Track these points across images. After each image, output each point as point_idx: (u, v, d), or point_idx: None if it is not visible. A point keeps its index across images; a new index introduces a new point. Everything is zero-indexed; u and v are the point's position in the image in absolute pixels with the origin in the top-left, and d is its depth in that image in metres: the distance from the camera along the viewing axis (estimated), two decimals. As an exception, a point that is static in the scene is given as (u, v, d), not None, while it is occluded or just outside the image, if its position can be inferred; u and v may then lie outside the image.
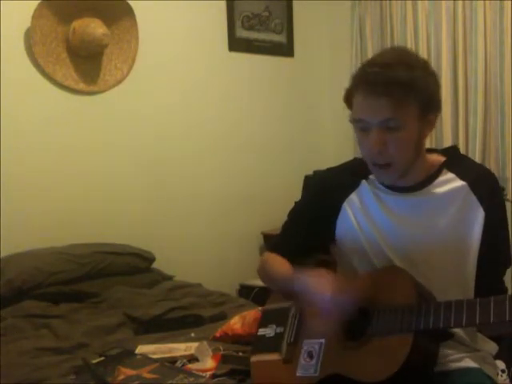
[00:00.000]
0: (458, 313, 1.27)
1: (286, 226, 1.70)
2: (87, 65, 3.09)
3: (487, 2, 3.39)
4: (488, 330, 1.48)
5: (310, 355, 1.49)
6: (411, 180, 1.49)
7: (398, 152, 1.41)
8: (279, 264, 1.62)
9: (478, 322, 1.25)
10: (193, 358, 1.92)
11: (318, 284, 1.43)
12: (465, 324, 1.27)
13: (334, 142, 4.09)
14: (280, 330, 1.62)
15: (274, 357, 1.58)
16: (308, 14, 4.08)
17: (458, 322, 1.28)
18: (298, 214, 1.69)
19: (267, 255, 1.69)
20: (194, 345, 2.00)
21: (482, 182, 1.49)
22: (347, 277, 1.51)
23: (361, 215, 1.54)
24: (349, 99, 1.46)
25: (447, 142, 3.55)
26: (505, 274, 1.54)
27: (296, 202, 1.75)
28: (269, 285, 1.70)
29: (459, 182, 1.48)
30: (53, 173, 3.03)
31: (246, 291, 3.55)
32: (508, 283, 1.54)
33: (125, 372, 1.73)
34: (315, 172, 3.38)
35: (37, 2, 2.89)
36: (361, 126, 1.44)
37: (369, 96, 1.39)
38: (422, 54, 3.62)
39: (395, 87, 1.35)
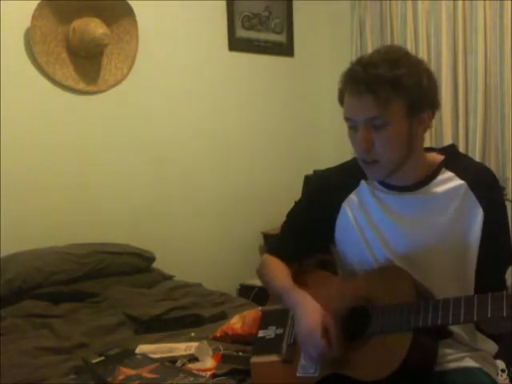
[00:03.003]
0: (456, 310, 1.27)
1: (286, 227, 1.70)
2: (87, 65, 3.09)
3: (487, 2, 3.38)
4: (487, 327, 1.48)
5: (310, 355, 1.49)
6: (410, 179, 1.49)
7: (385, 150, 1.41)
8: (278, 271, 1.63)
9: (475, 318, 1.25)
10: (193, 358, 1.91)
11: (305, 315, 1.46)
12: (463, 320, 1.27)
13: (334, 141, 4.09)
14: (280, 331, 1.62)
15: (274, 358, 1.58)
16: (308, 14, 4.08)
17: (456, 319, 1.28)
18: (297, 214, 1.69)
19: (267, 258, 1.69)
20: (194, 345, 1.99)
21: (480, 181, 1.49)
22: (341, 292, 1.52)
23: (360, 215, 1.54)
24: (341, 98, 1.46)
25: (447, 142, 3.53)
26: (506, 271, 1.54)
27: (296, 202, 1.74)
28: (266, 288, 1.71)
29: (458, 181, 1.48)
30: (52, 172, 3.03)
31: (246, 291, 3.55)
32: (509, 281, 1.54)
33: (125, 372, 1.73)
34: (315, 172, 3.37)
35: (37, 2, 2.89)
36: (350, 125, 1.45)
37: (354, 94, 1.40)
38: (422, 53, 3.62)
39: (378, 85, 1.35)
